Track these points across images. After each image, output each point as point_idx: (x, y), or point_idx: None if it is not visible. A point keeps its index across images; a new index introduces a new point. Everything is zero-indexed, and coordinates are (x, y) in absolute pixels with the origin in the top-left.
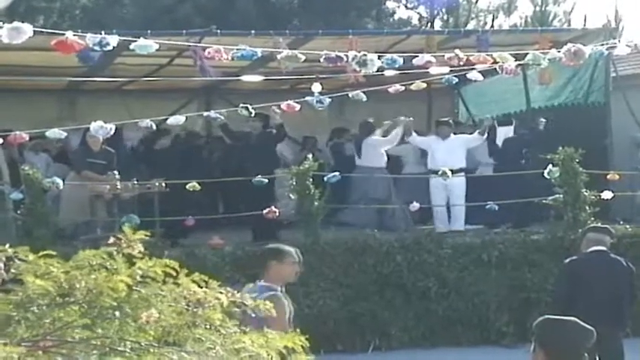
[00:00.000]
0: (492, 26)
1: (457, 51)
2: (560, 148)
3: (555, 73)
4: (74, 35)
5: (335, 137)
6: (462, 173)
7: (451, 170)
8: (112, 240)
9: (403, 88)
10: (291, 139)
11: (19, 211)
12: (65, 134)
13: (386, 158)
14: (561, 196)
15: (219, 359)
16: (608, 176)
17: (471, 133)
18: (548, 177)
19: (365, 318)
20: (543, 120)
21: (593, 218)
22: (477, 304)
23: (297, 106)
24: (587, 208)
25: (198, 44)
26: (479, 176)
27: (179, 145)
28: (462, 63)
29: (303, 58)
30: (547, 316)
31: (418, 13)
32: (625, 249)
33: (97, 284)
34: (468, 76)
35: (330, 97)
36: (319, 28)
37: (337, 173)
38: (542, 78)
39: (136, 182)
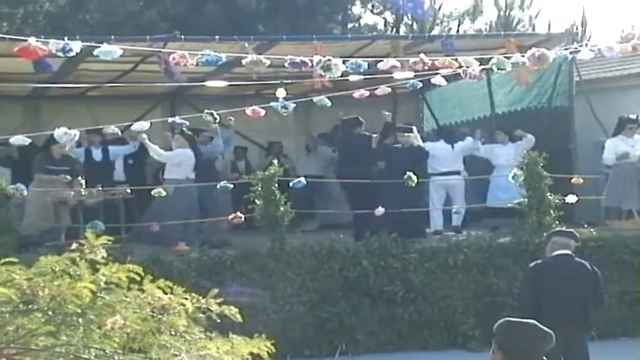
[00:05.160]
0: (458, 31)
1: (422, 55)
2: (525, 152)
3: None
4: (37, 41)
5: None
6: (460, 175)
7: (455, 172)
8: (74, 246)
9: (368, 93)
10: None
11: None
12: (29, 140)
13: None
14: (526, 199)
15: None
16: (573, 180)
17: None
18: (512, 181)
19: (331, 323)
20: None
21: (557, 222)
22: (443, 308)
23: (263, 112)
24: (551, 211)
25: (162, 49)
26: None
27: None
28: (426, 68)
29: (267, 63)
30: (507, 319)
31: (384, 18)
32: (590, 253)
33: (60, 291)
34: (433, 80)
35: (294, 103)
36: (285, 33)
37: (302, 179)
38: (520, 80)
39: (100, 188)
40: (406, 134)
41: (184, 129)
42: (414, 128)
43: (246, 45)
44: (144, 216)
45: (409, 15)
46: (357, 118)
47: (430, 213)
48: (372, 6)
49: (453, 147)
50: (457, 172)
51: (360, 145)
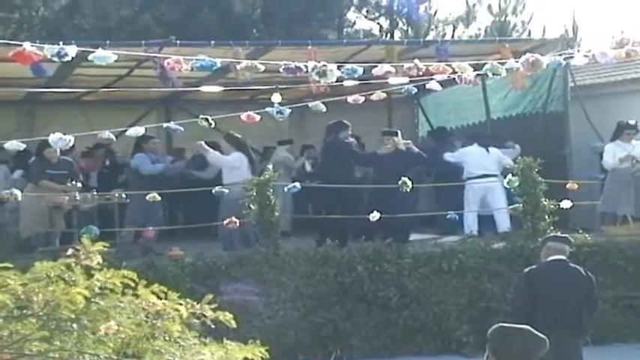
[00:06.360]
0: (452, 36)
1: (416, 61)
2: (520, 157)
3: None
4: (32, 46)
5: None
6: (496, 178)
7: (492, 175)
8: (70, 251)
9: (363, 98)
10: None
11: None
12: (24, 146)
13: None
14: (521, 205)
15: None
16: (567, 185)
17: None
18: (507, 186)
19: (326, 328)
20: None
21: (552, 227)
22: (437, 313)
23: (258, 117)
24: (546, 217)
25: (158, 54)
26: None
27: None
28: (421, 73)
29: (262, 68)
30: (501, 324)
31: (378, 23)
32: (584, 258)
33: (54, 296)
34: (427, 86)
35: (290, 108)
36: (280, 38)
37: (297, 184)
38: (516, 84)
39: (95, 193)
40: (395, 138)
41: (231, 132)
42: (399, 132)
43: (240, 50)
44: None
45: (404, 20)
46: (342, 121)
47: (465, 216)
48: (367, 11)
49: (487, 150)
50: (494, 175)
51: (340, 151)
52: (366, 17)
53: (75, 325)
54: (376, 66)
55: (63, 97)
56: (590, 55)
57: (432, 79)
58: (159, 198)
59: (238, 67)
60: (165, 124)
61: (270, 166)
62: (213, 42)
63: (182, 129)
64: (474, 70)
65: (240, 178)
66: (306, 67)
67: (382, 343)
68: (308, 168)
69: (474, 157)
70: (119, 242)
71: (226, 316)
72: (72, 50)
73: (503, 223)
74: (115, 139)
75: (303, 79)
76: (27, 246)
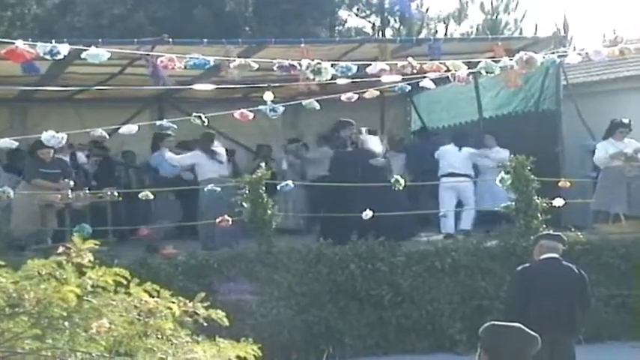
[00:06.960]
0: (445, 34)
1: (410, 59)
2: (512, 155)
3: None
4: (25, 44)
5: None
6: (469, 178)
7: (463, 175)
8: (60, 249)
9: (356, 96)
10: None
11: None
12: (16, 144)
13: None
14: (513, 203)
15: None
16: (560, 183)
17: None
18: (500, 184)
19: (319, 326)
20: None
21: (545, 225)
22: (430, 311)
23: (251, 115)
24: (539, 215)
25: (150, 53)
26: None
27: None
28: (415, 71)
29: (255, 66)
30: (492, 322)
31: (369, 21)
32: (577, 256)
33: (46, 294)
34: (421, 84)
35: (283, 106)
36: (273, 37)
37: (290, 182)
38: (509, 83)
39: (87, 191)
40: (360, 136)
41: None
42: (363, 129)
43: (233, 49)
44: (197, 216)
45: (396, 18)
46: (345, 120)
47: (442, 215)
48: (358, 9)
49: (460, 149)
50: (466, 175)
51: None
52: (357, 15)
53: (67, 323)
54: (370, 64)
55: (56, 95)
56: (583, 53)
57: (424, 77)
58: (152, 196)
59: (231, 65)
60: (158, 122)
61: (264, 165)
62: (205, 40)
63: (175, 127)
64: (468, 68)
65: (209, 175)
66: (299, 65)
67: (375, 341)
68: (284, 166)
69: (447, 156)
70: (112, 241)
71: (219, 314)
72: (64, 48)
73: (464, 223)
74: (107, 136)
75: (296, 77)
76: (19, 244)
